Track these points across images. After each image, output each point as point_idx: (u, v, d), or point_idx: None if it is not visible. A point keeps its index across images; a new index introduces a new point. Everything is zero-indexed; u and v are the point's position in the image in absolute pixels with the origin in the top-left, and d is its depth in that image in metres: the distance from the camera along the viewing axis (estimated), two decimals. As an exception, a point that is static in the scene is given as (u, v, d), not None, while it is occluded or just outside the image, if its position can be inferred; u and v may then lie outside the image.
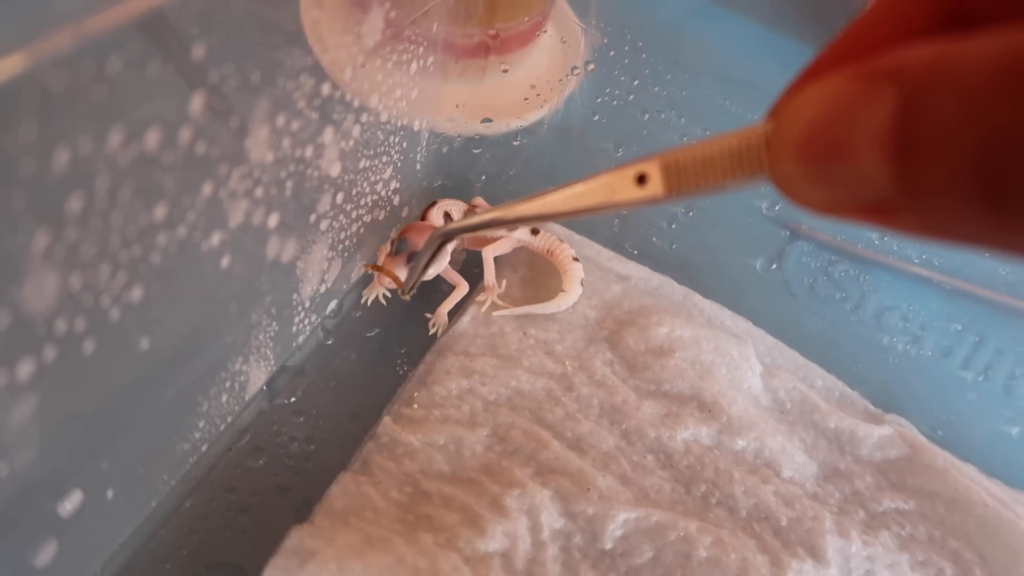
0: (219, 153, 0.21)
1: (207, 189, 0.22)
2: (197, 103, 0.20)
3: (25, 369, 0.18)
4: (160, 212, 0.20)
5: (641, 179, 0.14)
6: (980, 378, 0.40)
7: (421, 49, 0.31)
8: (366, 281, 0.35)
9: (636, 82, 0.36)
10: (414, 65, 0.31)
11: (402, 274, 0.31)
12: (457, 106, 0.39)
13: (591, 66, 0.36)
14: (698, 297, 0.38)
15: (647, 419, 0.33)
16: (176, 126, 0.19)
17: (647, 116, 0.36)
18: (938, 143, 0.09)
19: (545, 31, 0.37)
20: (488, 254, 0.36)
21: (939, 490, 0.33)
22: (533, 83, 0.36)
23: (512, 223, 0.17)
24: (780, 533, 0.31)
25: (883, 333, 0.41)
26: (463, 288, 0.35)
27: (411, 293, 0.28)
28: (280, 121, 0.24)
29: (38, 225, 0.17)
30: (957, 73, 0.09)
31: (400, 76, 0.30)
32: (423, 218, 0.35)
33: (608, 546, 0.29)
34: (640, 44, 0.35)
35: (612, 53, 0.36)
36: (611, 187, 0.14)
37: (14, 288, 0.17)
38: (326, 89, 0.25)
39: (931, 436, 0.36)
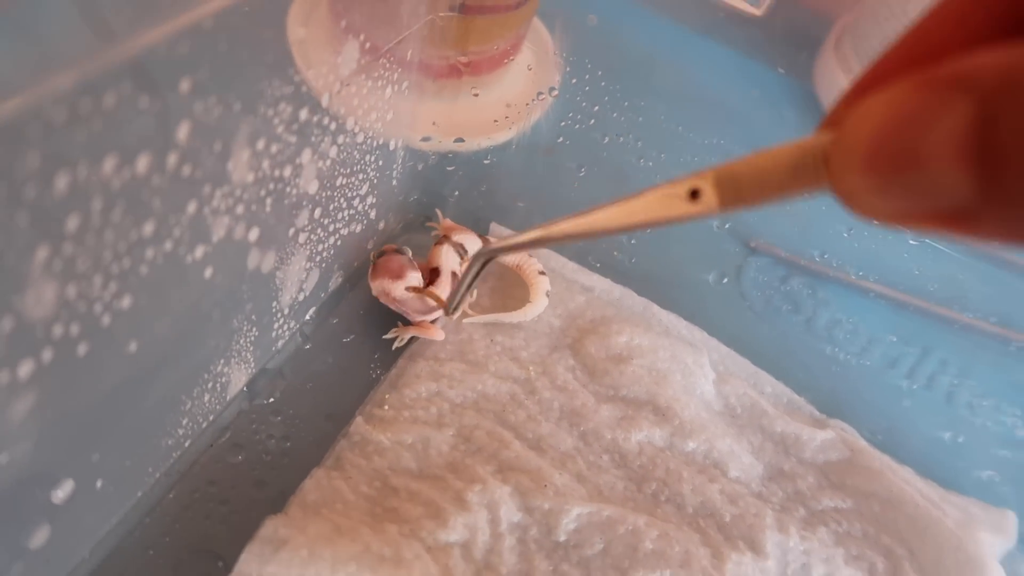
0: (203, 175, 0.24)
1: (192, 207, 0.24)
2: (183, 131, 0.22)
3: (25, 369, 0.20)
4: (148, 228, 0.22)
5: (694, 194, 0.14)
6: (923, 387, 0.42)
7: (396, 75, 0.33)
8: (343, 291, 0.37)
9: (596, 107, 0.38)
10: (389, 90, 0.33)
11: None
12: (434, 123, 0.42)
13: (555, 92, 0.39)
14: (656, 308, 0.40)
15: (604, 422, 0.35)
16: (164, 152, 0.22)
17: (607, 139, 0.39)
18: (1021, 152, 0.09)
19: (513, 59, 0.39)
20: (463, 267, 0.38)
21: (875, 490, 0.36)
22: (506, 103, 0.39)
23: (557, 242, 0.17)
24: (723, 528, 0.33)
25: (833, 344, 0.43)
26: (436, 334, 0.36)
27: (455, 313, 0.28)
28: (260, 145, 0.26)
29: (39, 241, 0.19)
30: None
31: (375, 100, 0.32)
32: (431, 260, 0.37)
33: (562, 538, 0.31)
34: (600, 72, 0.37)
35: (574, 80, 0.38)
36: (663, 203, 0.14)
37: (16, 297, 0.19)
38: (304, 114, 0.27)
39: (872, 440, 0.39)
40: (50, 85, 0.18)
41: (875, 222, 0.11)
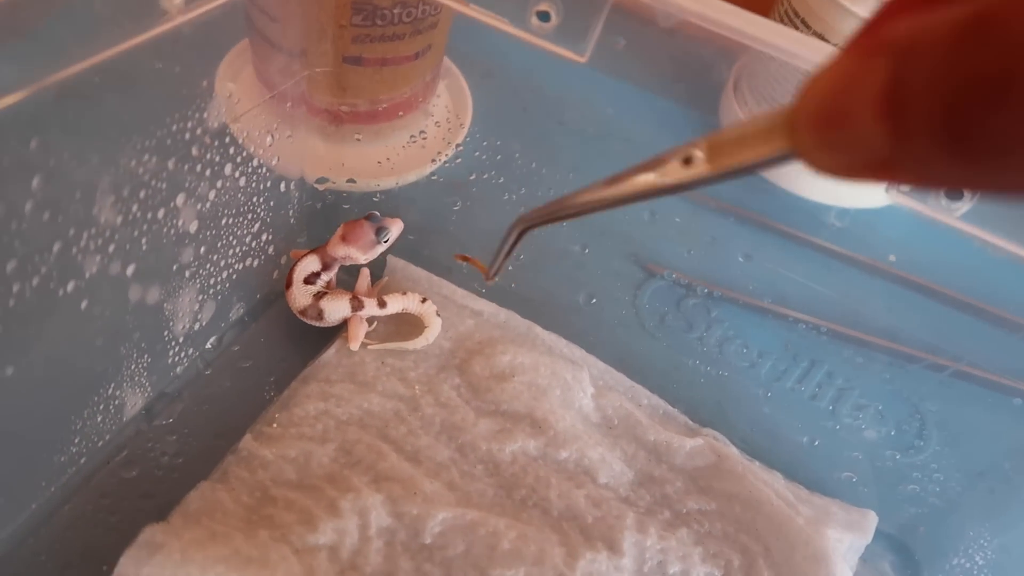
0: (65, 219, 0.27)
1: (57, 247, 0.27)
2: (36, 182, 0.25)
3: None
4: (11, 266, 0.26)
5: (687, 160, 0.15)
6: (807, 398, 0.45)
7: (275, 124, 0.37)
8: (245, 321, 0.41)
9: (461, 147, 0.42)
10: (268, 138, 0.37)
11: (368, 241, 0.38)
12: (343, 164, 0.45)
13: (424, 135, 0.43)
14: (539, 328, 0.43)
15: (481, 434, 0.38)
16: (20, 202, 0.25)
17: (472, 176, 0.43)
18: (917, 101, 0.10)
19: (400, 115, 0.43)
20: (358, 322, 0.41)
21: (737, 492, 0.38)
22: (388, 156, 0.43)
23: (579, 210, 0.18)
24: (584, 530, 0.36)
25: (722, 359, 0.46)
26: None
27: (495, 279, 0.28)
28: (125, 192, 0.29)
29: None
30: (931, 38, 0.10)
31: (255, 147, 0.36)
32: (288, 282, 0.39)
33: (427, 540, 0.34)
34: (468, 119, 0.41)
35: (437, 122, 0.42)
36: (662, 171, 0.15)
37: None
38: (172, 164, 0.31)
39: (745, 447, 0.41)
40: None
41: (831, 176, 0.13)
